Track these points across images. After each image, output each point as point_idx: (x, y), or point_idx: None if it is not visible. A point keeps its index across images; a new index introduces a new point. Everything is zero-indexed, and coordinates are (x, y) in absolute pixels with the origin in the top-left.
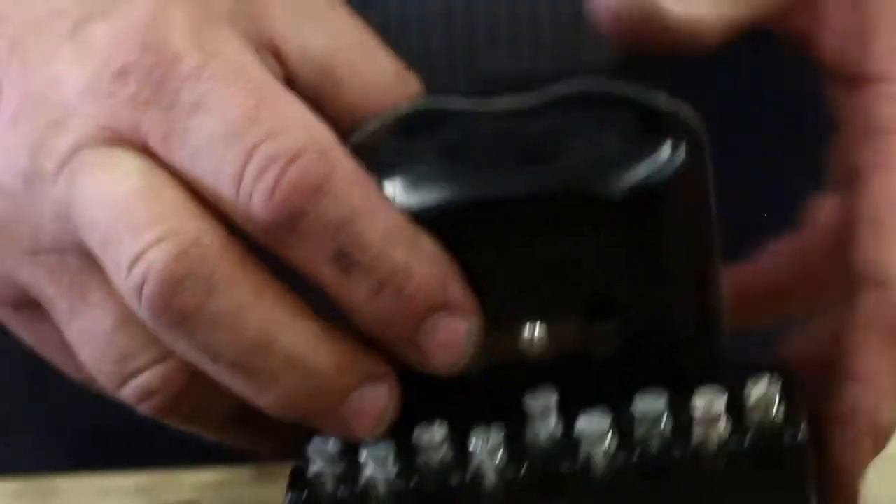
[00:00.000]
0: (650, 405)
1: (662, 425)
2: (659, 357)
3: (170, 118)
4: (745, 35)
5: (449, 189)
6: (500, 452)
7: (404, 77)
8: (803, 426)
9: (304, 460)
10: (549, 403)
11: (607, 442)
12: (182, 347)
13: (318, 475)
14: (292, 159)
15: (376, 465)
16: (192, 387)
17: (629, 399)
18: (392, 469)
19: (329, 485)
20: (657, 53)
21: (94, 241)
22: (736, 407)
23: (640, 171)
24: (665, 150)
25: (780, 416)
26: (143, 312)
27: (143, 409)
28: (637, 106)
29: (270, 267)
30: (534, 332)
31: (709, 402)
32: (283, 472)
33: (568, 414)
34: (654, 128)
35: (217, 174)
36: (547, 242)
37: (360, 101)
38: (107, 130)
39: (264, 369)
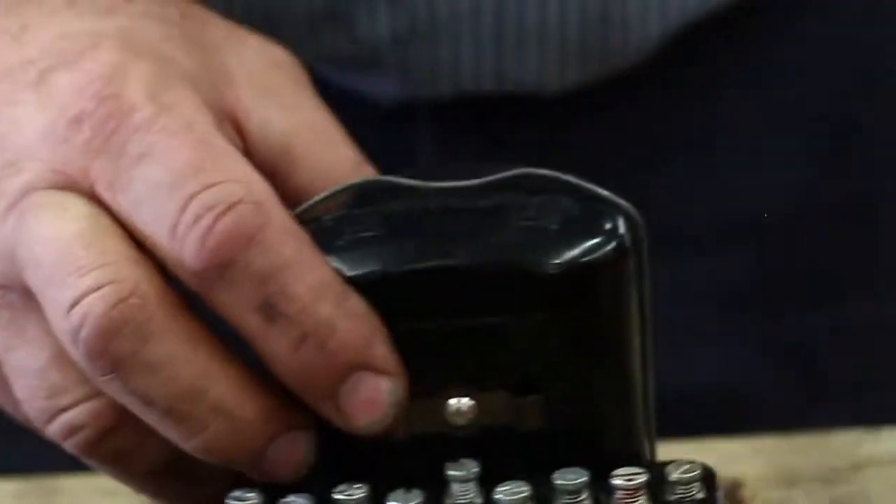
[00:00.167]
0: (571, 478)
1: (581, 498)
2: (584, 434)
3: (117, 166)
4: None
5: (385, 258)
6: None
7: (362, 168)
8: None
9: None
10: (469, 473)
11: None
12: (114, 391)
13: None
14: (227, 209)
15: None
16: (120, 427)
17: (552, 474)
18: None
19: None
20: None
21: (36, 281)
22: (657, 485)
23: (574, 251)
24: (600, 232)
25: (700, 495)
26: (78, 355)
27: (70, 445)
28: (577, 190)
29: (208, 316)
30: (461, 403)
31: (628, 478)
32: None
33: (490, 485)
34: (591, 211)
35: (156, 222)
36: (479, 315)
37: (313, 184)
38: (59, 175)
39: (193, 416)
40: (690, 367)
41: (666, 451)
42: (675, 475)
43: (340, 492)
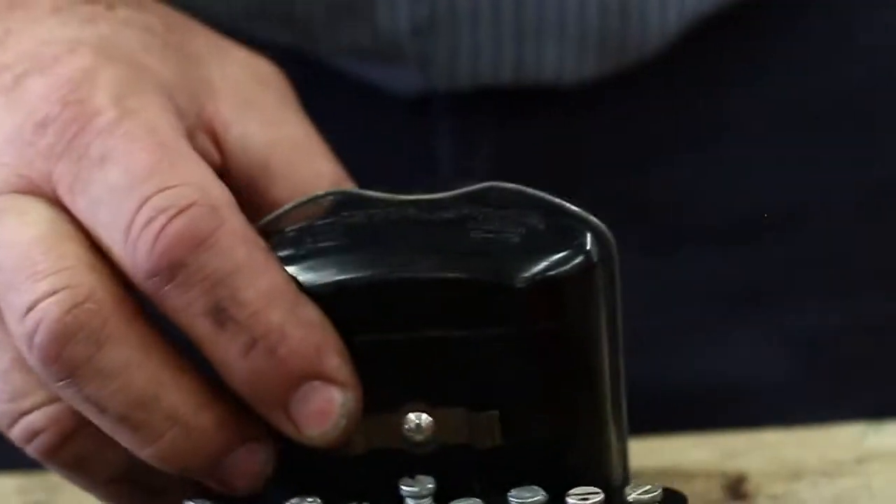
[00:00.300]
0: (526, 497)
1: None
2: (548, 452)
3: (77, 169)
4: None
5: (343, 268)
6: None
7: (343, 183)
8: None
9: None
10: (423, 489)
11: None
12: (70, 397)
13: None
14: (179, 212)
15: None
16: (80, 432)
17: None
18: None
19: None
20: None
21: None
22: None
23: (539, 264)
24: (567, 246)
25: None
26: (32, 360)
27: (31, 449)
28: (545, 204)
29: (169, 329)
30: (419, 419)
31: (583, 497)
32: None
33: (445, 502)
34: (558, 225)
35: (112, 224)
36: (438, 328)
37: (292, 198)
38: (23, 179)
39: (148, 424)
40: (702, 362)
41: (669, 445)
42: (633, 496)
43: None
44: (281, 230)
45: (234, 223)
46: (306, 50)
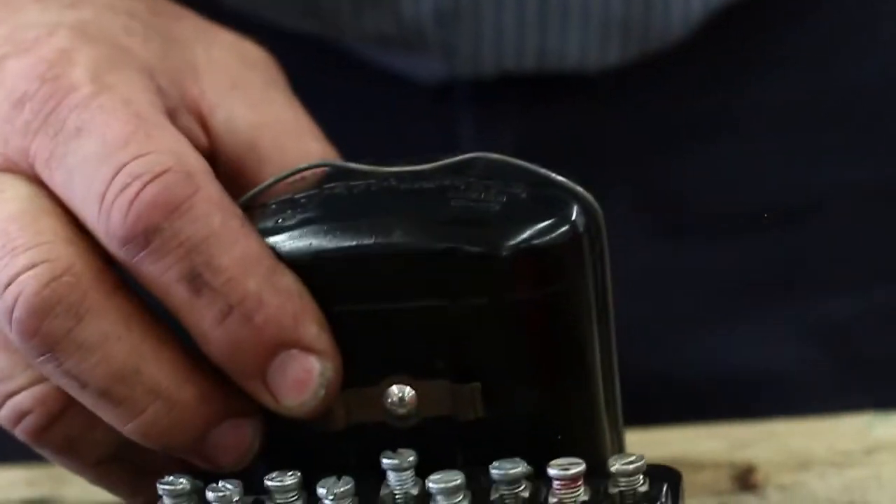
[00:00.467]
0: (508, 468)
1: (520, 488)
2: (535, 425)
3: (54, 144)
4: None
5: (321, 237)
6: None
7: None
8: (665, 492)
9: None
10: (405, 462)
11: (460, 499)
12: (50, 372)
13: None
14: (154, 177)
15: None
16: (67, 412)
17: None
18: None
19: None
20: None
21: None
22: (598, 476)
23: (523, 233)
24: (552, 216)
25: (644, 487)
26: (13, 335)
27: (18, 431)
28: (530, 175)
29: (152, 304)
30: (402, 392)
31: (564, 468)
32: None
33: (428, 475)
34: (543, 195)
35: (87, 194)
36: (418, 298)
37: None
38: (0, 156)
39: (129, 398)
40: (710, 352)
41: (678, 436)
42: (616, 466)
43: (271, 478)
44: (263, 203)
45: (210, 190)
46: (331, 38)
